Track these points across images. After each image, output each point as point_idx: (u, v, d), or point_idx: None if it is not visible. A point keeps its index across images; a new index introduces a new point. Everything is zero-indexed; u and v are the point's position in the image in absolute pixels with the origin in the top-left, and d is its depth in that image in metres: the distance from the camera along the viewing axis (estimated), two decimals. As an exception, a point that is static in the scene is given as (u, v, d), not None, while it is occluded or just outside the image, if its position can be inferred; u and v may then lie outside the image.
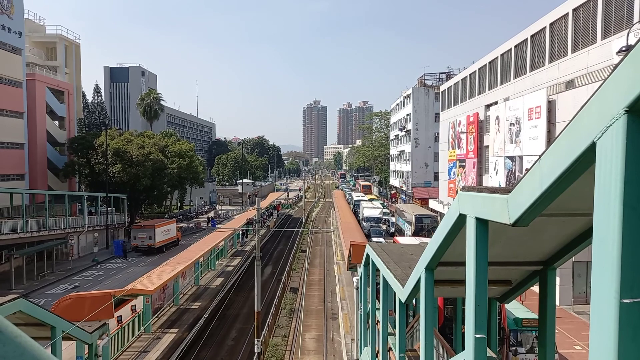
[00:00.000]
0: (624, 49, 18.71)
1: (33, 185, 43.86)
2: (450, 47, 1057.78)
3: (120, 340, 21.00)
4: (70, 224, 40.09)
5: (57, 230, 38.26)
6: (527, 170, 3.28)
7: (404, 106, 74.85)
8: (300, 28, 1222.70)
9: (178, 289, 28.86)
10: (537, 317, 6.94)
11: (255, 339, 19.23)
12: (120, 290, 20.15)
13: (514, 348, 16.12)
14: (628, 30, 19.40)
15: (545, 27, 28.34)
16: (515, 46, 32.48)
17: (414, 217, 43.83)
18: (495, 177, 34.08)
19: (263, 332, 21.18)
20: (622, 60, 2.11)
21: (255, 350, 19.01)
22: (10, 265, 31.49)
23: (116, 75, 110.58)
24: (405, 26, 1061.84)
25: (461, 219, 4.75)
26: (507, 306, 16.93)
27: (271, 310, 25.81)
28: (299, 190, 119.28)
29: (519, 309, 17.47)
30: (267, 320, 23.80)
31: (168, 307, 27.66)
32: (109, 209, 46.69)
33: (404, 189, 73.51)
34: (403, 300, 8.33)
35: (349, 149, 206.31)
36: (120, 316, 21.52)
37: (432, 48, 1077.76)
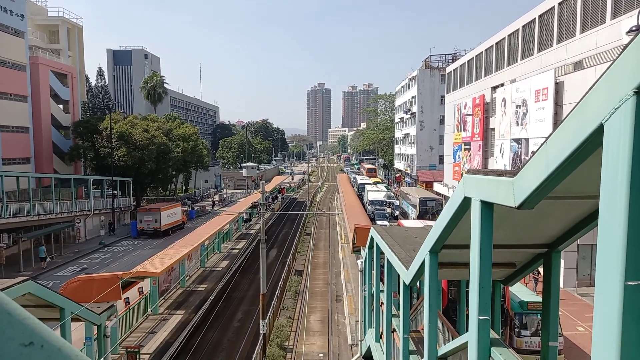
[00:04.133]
0: (634, 29, 18.38)
1: (39, 169, 44.10)
2: (458, 29, 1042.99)
3: (128, 322, 21.35)
4: (76, 207, 40.43)
5: (63, 214, 38.62)
6: (534, 152, 3.26)
7: (409, 88, 74.19)
8: (305, 9, 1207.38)
9: (184, 271, 29.18)
10: (541, 300, 6.97)
11: (261, 321, 19.48)
12: (127, 273, 20.42)
13: (517, 329, 16.24)
14: (639, 9, 19.03)
15: (553, 7, 27.82)
16: (523, 26, 31.96)
17: (418, 200, 43.81)
18: (500, 160, 33.91)
19: (268, 314, 21.46)
20: (631, 40, 2.07)
21: (261, 331, 19.28)
22: (19, 248, 31.89)
23: (119, 58, 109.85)
24: (412, 6, 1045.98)
25: (466, 202, 4.75)
26: (512, 289, 17.02)
27: (276, 292, 26.09)
28: (304, 173, 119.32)
29: (524, 292, 17.54)
30: (273, 302, 24.07)
31: (174, 289, 28.02)
32: (114, 192, 46.96)
33: (409, 172, 73.35)
34: (407, 283, 8.40)
35: (354, 132, 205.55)
36: (128, 298, 21.83)
37: (439, 30, 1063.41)
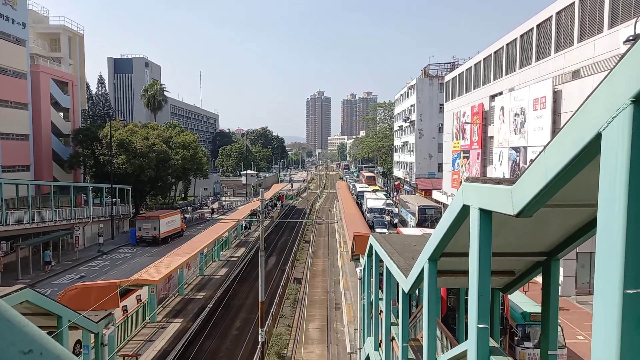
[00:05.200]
0: (631, 38, 18.51)
1: (38, 177, 44.07)
2: (455, 41, 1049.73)
3: (125, 330, 21.24)
4: (75, 215, 40.35)
5: (62, 221, 38.52)
6: (532, 161, 3.27)
7: (408, 97, 74.48)
8: (305, 17, 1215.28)
9: (183, 279, 29.07)
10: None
11: (260, 329, 19.37)
12: (125, 280, 20.33)
13: (517, 338, 16.11)
14: (636, 19, 19.17)
15: (551, 16, 28.04)
16: (521, 36, 32.17)
17: (417, 208, 43.78)
18: (499, 168, 33.96)
19: (267, 322, 21.36)
20: (629, 49, 2.09)
21: (260, 340, 19.16)
22: (17, 255, 31.78)
23: (120, 67, 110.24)
24: (410, 18, 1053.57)
25: (465, 210, 4.75)
26: (515, 300, 16.89)
27: (275, 300, 25.98)
28: (303, 181, 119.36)
29: (527, 302, 17.37)
30: (271, 310, 23.97)
31: (173, 297, 27.89)
32: (113, 200, 46.89)
33: (408, 180, 73.40)
34: (406, 291, 8.36)
35: (353, 140, 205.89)
36: (126, 306, 21.73)
37: (438, 41, 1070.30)
